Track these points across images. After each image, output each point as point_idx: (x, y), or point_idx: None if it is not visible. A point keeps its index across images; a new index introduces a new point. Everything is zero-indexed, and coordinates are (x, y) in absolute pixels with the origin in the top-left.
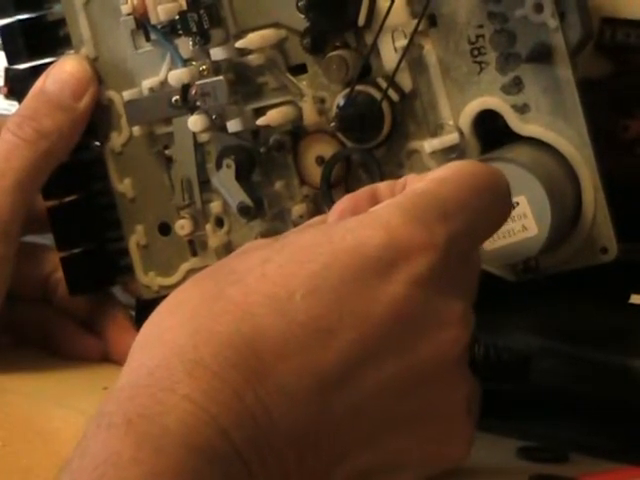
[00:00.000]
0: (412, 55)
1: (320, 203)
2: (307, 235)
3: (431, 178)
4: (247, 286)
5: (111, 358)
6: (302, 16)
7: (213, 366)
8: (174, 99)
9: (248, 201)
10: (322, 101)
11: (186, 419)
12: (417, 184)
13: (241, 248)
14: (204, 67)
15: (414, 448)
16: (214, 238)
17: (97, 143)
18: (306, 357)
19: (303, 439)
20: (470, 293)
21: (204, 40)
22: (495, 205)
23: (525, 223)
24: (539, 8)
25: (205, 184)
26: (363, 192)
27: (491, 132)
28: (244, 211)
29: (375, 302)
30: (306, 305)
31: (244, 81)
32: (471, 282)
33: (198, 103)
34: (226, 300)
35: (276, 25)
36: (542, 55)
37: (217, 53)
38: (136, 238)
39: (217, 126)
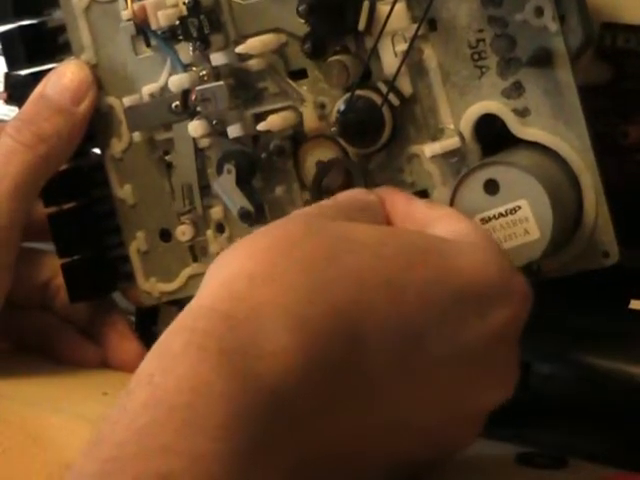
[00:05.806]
0: (412, 60)
1: None
2: (414, 235)
3: None
4: (363, 261)
5: (110, 365)
6: (302, 21)
7: (320, 327)
8: (174, 105)
9: (249, 206)
10: (322, 106)
11: (277, 369)
12: None
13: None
14: (204, 72)
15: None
16: (215, 244)
17: (97, 150)
18: (400, 351)
19: None
20: None
21: (204, 45)
22: None
23: (527, 227)
24: (539, 12)
25: (206, 189)
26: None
27: (492, 136)
28: (245, 216)
29: (471, 332)
30: (417, 306)
31: (244, 86)
32: None
33: (198, 108)
34: (342, 267)
35: (276, 30)
36: (543, 59)
37: (217, 58)
38: (137, 244)
39: (217, 131)
